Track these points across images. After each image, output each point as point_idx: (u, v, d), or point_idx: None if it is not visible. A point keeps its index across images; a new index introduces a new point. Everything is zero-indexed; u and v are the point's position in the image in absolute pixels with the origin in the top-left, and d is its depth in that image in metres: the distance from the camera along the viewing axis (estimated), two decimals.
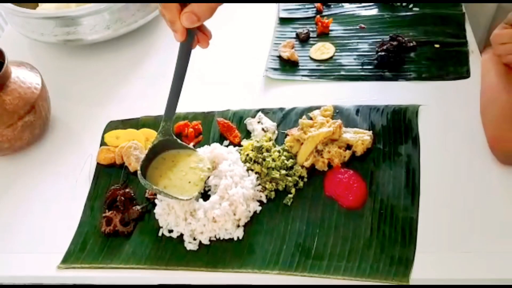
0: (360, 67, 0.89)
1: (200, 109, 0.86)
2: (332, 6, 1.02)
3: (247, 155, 0.75)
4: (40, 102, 0.82)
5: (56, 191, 0.80)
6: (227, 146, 0.79)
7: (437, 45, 0.90)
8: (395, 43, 0.89)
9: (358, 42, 0.94)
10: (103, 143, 0.84)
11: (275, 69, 0.92)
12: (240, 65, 0.95)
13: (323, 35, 0.97)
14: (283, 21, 1.02)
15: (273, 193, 0.72)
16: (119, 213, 0.73)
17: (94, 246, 0.71)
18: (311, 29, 0.98)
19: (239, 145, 0.79)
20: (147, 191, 0.75)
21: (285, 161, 0.74)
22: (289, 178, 0.72)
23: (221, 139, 0.81)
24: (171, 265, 0.68)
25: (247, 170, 0.74)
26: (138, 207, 0.74)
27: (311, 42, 0.96)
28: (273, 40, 0.98)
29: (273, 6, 1.06)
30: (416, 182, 0.71)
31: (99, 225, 0.73)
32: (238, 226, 0.69)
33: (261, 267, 0.65)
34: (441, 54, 0.88)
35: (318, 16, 0.99)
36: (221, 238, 0.69)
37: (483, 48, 0.89)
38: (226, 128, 0.81)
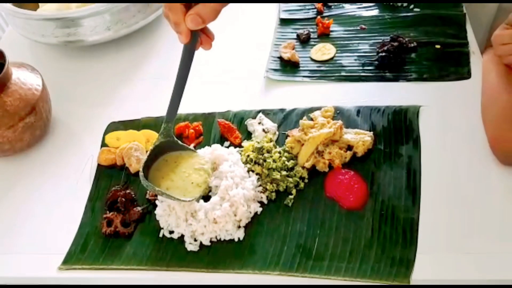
0: (361, 68, 0.89)
1: (201, 110, 0.86)
2: (332, 7, 1.02)
3: (248, 156, 0.75)
4: (41, 104, 0.82)
5: (57, 192, 0.80)
6: (227, 147, 0.79)
7: (438, 46, 0.89)
8: (395, 43, 0.89)
9: (358, 43, 0.94)
10: (103, 144, 0.84)
11: (275, 70, 0.92)
12: (241, 66, 0.95)
13: (324, 36, 0.97)
14: (284, 22, 1.02)
15: (273, 194, 0.72)
16: (120, 214, 0.73)
17: (95, 247, 0.71)
18: (311, 30, 0.98)
19: (240, 146, 0.79)
20: (148, 192, 0.75)
21: (286, 162, 0.74)
22: (290, 179, 0.72)
23: (221, 140, 0.81)
24: (172, 266, 0.67)
25: (248, 171, 0.74)
26: (139, 208, 0.73)
27: (312, 43, 0.96)
28: (274, 41, 0.98)
29: (274, 7, 1.06)
30: (417, 182, 0.70)
31: (100, 226, 0.73)
32: (239, 227, 0.69)
33: (262, 268, 0.65)
34: (442, 55, 0.88)
35: (318, 17, 0.99)
36: (222, 239, 0.69)
37: (484, 48, 0.89)
38: (227, 129, 0.81)
